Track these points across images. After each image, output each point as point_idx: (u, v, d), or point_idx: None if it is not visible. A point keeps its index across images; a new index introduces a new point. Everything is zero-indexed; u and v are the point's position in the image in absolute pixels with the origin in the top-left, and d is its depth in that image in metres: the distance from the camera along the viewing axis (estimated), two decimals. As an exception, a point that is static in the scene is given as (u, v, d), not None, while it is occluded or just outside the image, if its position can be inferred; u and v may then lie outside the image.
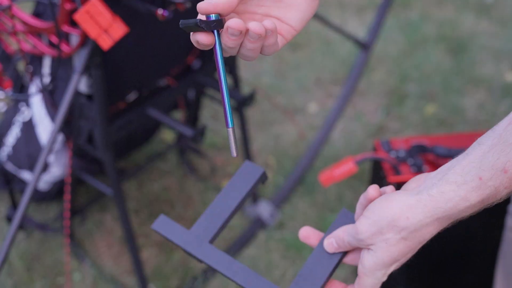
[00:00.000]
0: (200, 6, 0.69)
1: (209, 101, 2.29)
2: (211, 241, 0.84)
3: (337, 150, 2.18)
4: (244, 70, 2.32)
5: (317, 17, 2.22)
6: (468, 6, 2.87)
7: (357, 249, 0.83)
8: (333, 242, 0.83)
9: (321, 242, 0.84)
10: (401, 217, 0.74)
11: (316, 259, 0.83)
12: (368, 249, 0.77)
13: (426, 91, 2.42)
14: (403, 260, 0.77)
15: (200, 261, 0.83)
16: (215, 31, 0.70)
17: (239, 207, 0.87)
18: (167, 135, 2.18)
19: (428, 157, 1.48)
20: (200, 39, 0.70)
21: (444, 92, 2.41)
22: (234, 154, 0.73)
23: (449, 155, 1.45)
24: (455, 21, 2.77)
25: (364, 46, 2.15)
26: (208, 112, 2.30)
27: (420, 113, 2.33)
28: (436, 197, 0.72)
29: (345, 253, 0.84)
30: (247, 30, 0.70)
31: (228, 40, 0.70)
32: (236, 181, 0.88)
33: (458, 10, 2.84)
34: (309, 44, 2.64)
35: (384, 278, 0.78)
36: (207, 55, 1.73)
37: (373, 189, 0.81)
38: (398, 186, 1.58)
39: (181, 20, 0.69)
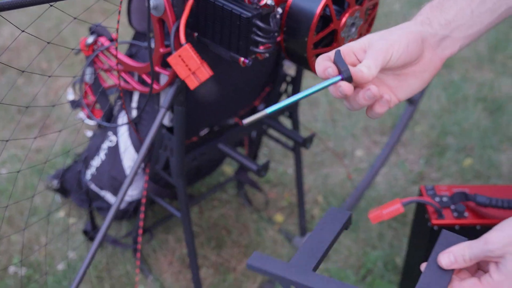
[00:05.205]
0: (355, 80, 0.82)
1: (267, 140, 2.37)
2: (314, 269, 0.83)
3: (379, 193, 2.22)
4: (301, 115, 2.39)
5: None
6: (506, 71, 2.92)
7: (471, 267, 0.83)
8: (450, 257, 0.81)
9: (431, 260, 0.83)
10: None
11: (428, 277, 0.81)
12: (496, 262, 0.77)
13: (465, 145, 2.46)
14: None
15: None
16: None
17: (333, 243, 0.88)
18: (227, 168, 2.26)
19: (469, 204, 1.53)
20: (346, 89, 0.81)
21: (481, 147, 2.45)
22: (245, 121, 0.80)
23: (489, 204, 1.49)
24: (493, 83, 2.82)
25: (412, 101, 2.22)
26: (264, 151, 2.38)
27: (458, 165, 2.37)
28: None
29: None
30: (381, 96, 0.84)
31: (363, 100, 0.82)
32: (324, 224, 0.89)
33: (496, 74, 2.88)
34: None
35: None
36: (271, 99, 1.82)
37: None
38: (439, 229, 1.61)
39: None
